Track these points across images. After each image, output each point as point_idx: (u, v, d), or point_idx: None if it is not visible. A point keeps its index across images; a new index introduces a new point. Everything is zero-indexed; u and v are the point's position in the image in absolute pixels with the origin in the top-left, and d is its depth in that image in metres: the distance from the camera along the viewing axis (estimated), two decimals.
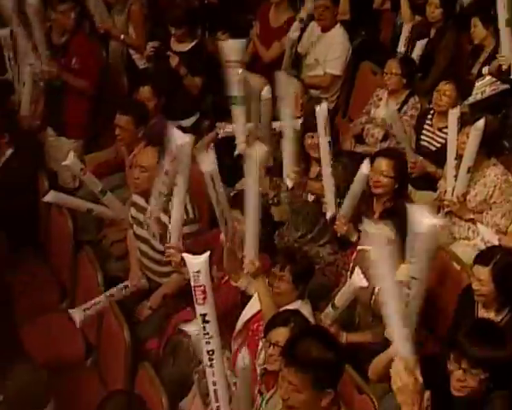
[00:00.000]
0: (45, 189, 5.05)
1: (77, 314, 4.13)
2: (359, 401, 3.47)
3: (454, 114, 4.57)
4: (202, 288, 2.96)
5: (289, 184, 4.62)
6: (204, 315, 2.94)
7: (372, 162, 4.33)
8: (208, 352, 3.00)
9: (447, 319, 4.05)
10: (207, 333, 2.98)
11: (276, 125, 4.80)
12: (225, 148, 4.98)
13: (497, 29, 5.46)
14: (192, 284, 2.96)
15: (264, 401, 3.35)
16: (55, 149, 5.76)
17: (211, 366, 3.01)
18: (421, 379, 2.68)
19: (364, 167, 4.15)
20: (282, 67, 5.76)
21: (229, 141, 4.92)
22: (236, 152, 4.76)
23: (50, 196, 4.69)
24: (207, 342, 2.98)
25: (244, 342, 3.91)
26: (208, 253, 3.10)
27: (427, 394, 2.94)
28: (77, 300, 4.68)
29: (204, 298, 2.96)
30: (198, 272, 2.96)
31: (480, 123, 4.36)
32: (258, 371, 3.64)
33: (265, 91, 4.74)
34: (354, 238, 4.31)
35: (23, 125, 5.64)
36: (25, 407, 3.34)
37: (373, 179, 4.32)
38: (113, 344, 4.19)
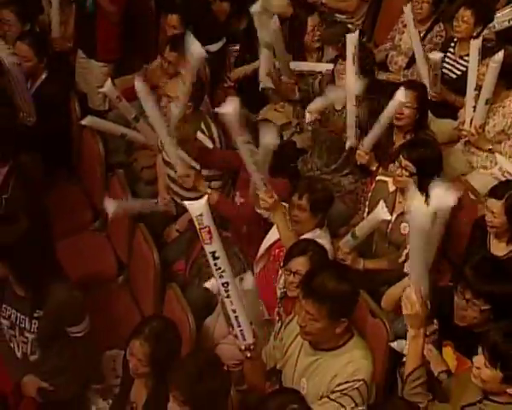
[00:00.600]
0: (77, 111, 5.12)
1: (111, 205, 4.17)
2: (372, 325, 3.56)
3: (475, 45, 4.54)
4: (207, 229, 3.01)
5: (308, 118, 4.69)
6: (213, 252, 3.01)
7: (393, 94, 4.29)
8: (223, 284, 3.07)
9: (462, 248, 4.13)
10: (219, 268, 3.05)
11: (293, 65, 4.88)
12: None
13: None
14: (197, 226, 3.01)
15: (284, 326, 3.43)
16: (85, 72, 5.78)
17: (228, 296, 3.10)
18: (428, 307, 2.90)
19: (400, 95, 4.14)
20: None
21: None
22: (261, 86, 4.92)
23: (87, 120, 4.74)
24: (221, 276, 3.06)
25: (265, 266, 4.08)
26: (206, 196, 3.21)
27: (435, 323, 3.22)
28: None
29: (210, 238, 3.02)
30: (201, 215, 3.00)
31: (499, 56, 4.37)
32: (279, 294, 3.83)
33: (273, 23, 4.68)
34: (374, 167, 4.39)
35: (54, 46, 5.61)
36: (62, 322, 3.50)
37: (397, 111, 4.33)
38: (142, 264, 4.30)
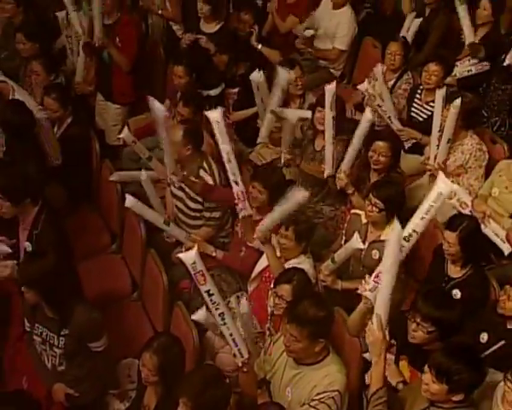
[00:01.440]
0: (96, 147, 5.12)
1: (130, 201, 4.24)
2: (349, 341, 3.64)
3: (440, 94, 4.58)
4: (200, 272, 3.13)
5: (283, 159, 4.79)
6: (208, 291, 3.15)
7: (371, 145, 4.45)
8: (219, 315, 3.19)
9: (425, 271, 4.20)
10: (214, 302, 3.17)
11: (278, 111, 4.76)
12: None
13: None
14: (192, 272, 3.12)
15: (272, 343, 3.53)
16: (103, 112, 5.78)
17: (224, 324, 3.21)
18: (387, 337, 3.03)
19: (368, 114, 4.29)
20: None
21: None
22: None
23: (115, 176, 4.77)
24: (217, 309, 3.17)
25: (258, 286, 4.13)
26: (196, 246, 3.31)
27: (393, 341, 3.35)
28: (124, 243, 4.81)
29: (204, 279, 3.14)
30: (194, 263, 3.11)
31: (457, 102, 4.38)
32: (269, 310, 3.85)
33: (255, 76, 4.74)
34: (350, 191, 4.43)
35: (77, 90, 5.64)
36: (84, 339, 3.62)
37: (373, 158, 4.44)
38: (153, 283, 4.32)
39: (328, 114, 4.46)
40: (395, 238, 3.12)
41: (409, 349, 3.49)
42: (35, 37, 5.34)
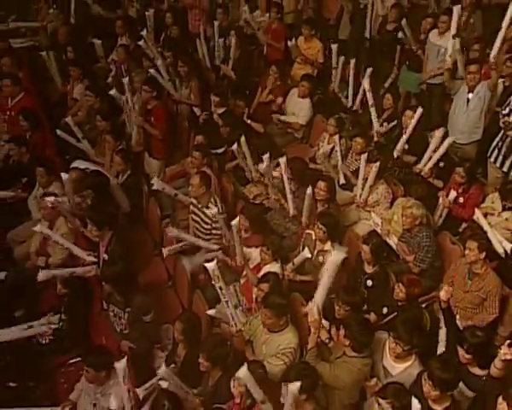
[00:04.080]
0: (145, 188, 5.06)
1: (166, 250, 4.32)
2: (301, 317, 3.76)
3: (363, 157, 4.71)
4: (217, 275, 3.48)
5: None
6: (220, 287, 3.50)
7: (316, 184, 4.47)
8: (225, 301, 3.55)
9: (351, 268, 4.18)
10: (223, 294, 3.49)
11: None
12: None
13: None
14: (211, 275, 3.43)
15: (254, 317, 3.72)
16: (148, 164, 5.73)
17: (228, 307, 3.55)
18: (321, 317, 3.32)
19: (309, 190, 4.32)
20: None
21: None
22: None
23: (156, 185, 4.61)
24: (224, 297, 3.50)
25: (247, 280, 4.17)
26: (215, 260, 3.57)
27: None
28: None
29: (218, 279, 3.50)
30: (213, 270, 3.40)
31: (377, 164, 4.59)
32: (254, 297, 3.96)
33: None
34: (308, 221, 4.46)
35: (133, 150, 5.63)
36: (139, 314, 3.90)
37: (317, 194, 4.48)
38: (181, 276, 4.45)
39: (287, 184, 4.56)
40: (334, 259, 3.38)
41: (335, 321, 3.71)
42: (107, 117, 5.40)
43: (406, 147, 4.97)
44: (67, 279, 4.03)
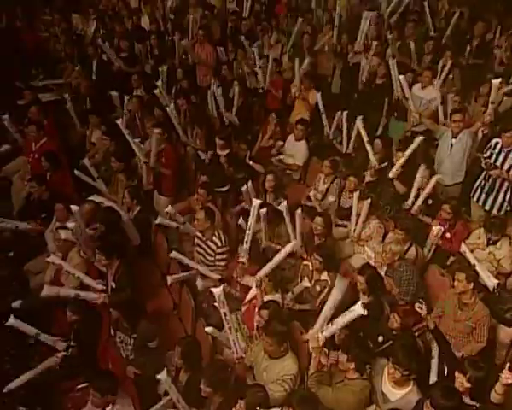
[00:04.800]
0: (152, 224, 4.88)
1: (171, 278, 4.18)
2: (302, 344, 3.60)
3: (356, 194, 4.62)
4: (222, 302, 3.28)
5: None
6: (224, 312, 3.30)
7: (313, 219, 4.44)
8: (229, 328, 3.34)
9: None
10: (227, 319, 3.29)
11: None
12: None
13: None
14: (217, 300, 3.25)
15: (256, 345, 3.57)
16: (157, 200, 5.60)
17: (231, 333, 3.34)
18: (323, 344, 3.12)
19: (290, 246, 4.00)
20: None
21: None
22: None
23: (159, 220, 4.55)
24: (227, 323, 3.29)
25: (248, 308, 4.02)
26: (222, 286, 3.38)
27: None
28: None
29: (223, 305, 3.30)
30: (219, 296, 3.22)
31: (369, 200, 4.50)
32: (255, 324, 3.82)
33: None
34: (305, 255, 4.35)
35: (144, 188, 5.54)
36: (145, 340, 3.70)
37: (314, 228, 4.41)
38: (185, 304, 4.28)
39: (288, 224, 4.37)
40: (335, 294, 3.19)
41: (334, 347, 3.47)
42: (121, 158, 5.34)
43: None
44: (77, 306, 3.85)
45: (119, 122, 5.33)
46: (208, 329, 3.52)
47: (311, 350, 3.24)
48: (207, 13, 7.95)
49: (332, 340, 3.39)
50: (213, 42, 7.26)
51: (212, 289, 3.33)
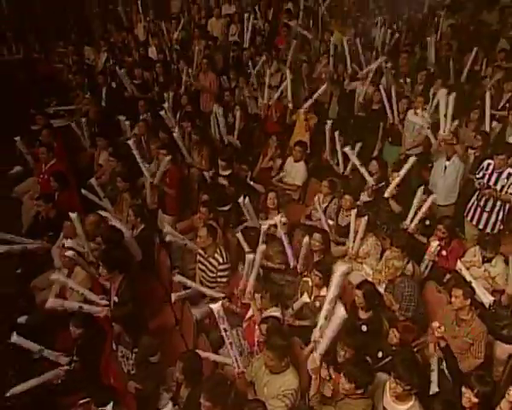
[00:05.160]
0: (157, 240, 4.86)
1: (175, 296, 4.09)
2: (302, 360, 3.46)
3: (353, 212, 4.53)
4: (222, 317, 3.14)
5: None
6: (224, 328, 3.14)
7: (312, 236, 4.29)
8: (229, 343, 3.17)
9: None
10: (227, 335, 3.13)
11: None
12: None
13: None
14: (216, 316, 3.08)
15: (256, 360, 3.43)
16: (161, 219, 5.45)
17: (232, 348, 3.19)
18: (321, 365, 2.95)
19: (305, 239, 4.14)
20: None
21: None
22: None
23: (168, 238, 4.44)
24: (228, 339, 3.12)
25: (249, 325, 3.92)
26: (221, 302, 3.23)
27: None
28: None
29: (223, 321, 3.14)
30: (218, 311, 3.07)
31: (366, 218, 4.39)
32: (256, 340, 3.72)
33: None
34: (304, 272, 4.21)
35: (148, 206, 5.43)
36: (147, 354, 3.52)
37: (313, 245, 4.30)
38: (187, 320, 4.16)
39: (286, 243, 4.32)
40: (339, 315, 2.98)
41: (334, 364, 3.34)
42: (126, 178, 5.27)
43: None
44: (80, 320, 3.72)
45: (130, 142, 5.28)
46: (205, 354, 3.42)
47: (310, 373, 3.11)
48: (211, 43, 8.02)
49: (333, 357, 3.23)
50: (216, 71, 7.31)
51: (211, 306, 3.19)
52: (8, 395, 3.42)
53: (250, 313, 3.92)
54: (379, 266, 4.40)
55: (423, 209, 4.53)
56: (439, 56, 6.97)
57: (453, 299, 3.52)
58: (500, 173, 4.70)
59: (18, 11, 9.73)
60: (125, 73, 7.12)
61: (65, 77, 8.56)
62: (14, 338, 3.52)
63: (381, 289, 4.11)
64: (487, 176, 4.76)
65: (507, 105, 5.99)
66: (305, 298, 3.78)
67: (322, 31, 8.10)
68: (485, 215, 4.77)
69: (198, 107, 7.11)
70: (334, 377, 3.12)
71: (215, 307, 3.14)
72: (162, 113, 6.00)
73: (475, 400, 2.75)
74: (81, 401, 3.57)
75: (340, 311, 2.99)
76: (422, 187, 4.63)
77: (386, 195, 4.76)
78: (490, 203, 4.76)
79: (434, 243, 4.23)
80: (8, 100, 7.40)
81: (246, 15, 7.83)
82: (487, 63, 6.86)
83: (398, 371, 2.85)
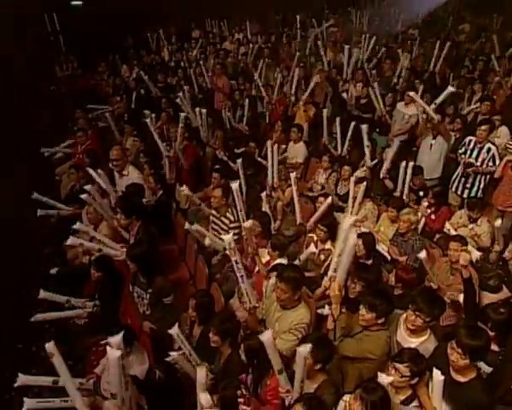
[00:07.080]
0: (174, 207, 4.34)
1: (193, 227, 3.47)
2: (311, 302, 2.94)
3: (352, 179, 4.03)
4: (233, 248, 2.57)
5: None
6: (235, 260, 2.59)
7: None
8: (241, 276, 2.63)
9: None
10: (239, 268, 2.58)
11: None
12: None
13: None
14: (227, 248, 2.56)
15: (267, 298, 2.86)
16: (178, 191, 4.71)
17: (243, 283, 2.64)
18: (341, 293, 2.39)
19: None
20: None
21: None
22: None
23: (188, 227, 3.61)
24: (239, 272, 2.57)
25: (257, 277, 3.22)
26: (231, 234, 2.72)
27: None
28: (187, 257, 3.96)
29: (234, 253, 2.60)
30: (230, 243, 2.52)
31: (364, 183, 3.96)
32: (264, 290, 3.01)
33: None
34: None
35: (168, 181, 4.74)
36: (160, 295, 2.98)
37: (318, 208, 3.87)
38: (201, 273, 3.67)
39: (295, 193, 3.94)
40: (351, 242, 2.44)
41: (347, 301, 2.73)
42: (147, 153, 4.79)
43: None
44: (100, 263, 3.14)
45: (147, 121, 4.82)
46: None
47: (331, 298, 2.49)
48: (222, 53, 7.84)
49: (345, 296, 2.61)
50: (228, 75, 7.00)
51: (223, 237, 2.64)
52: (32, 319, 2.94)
53: (259, 266, 3.37)
54: (376, 227, 3.95)
55: (408, 175, 4.14)
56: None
57: (452, 252, 3.11)
58: (481, 149, 4.27)
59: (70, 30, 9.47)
60: (149, 79, 6.87)
61: (104, 89, 8.27)
62: (42, 294, 3.07)
63: (379, 247, 3.68)
64: (469, 151, 4.34)
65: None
66: (313, 248, 3.20)
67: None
68: (468, 186, 4.35)
69: (212, 106, 6.64)
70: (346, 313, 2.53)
71: (226, 237, 2.57)
72: (178, 100, 5.59)
73: (491, 333, 2.25)
74: (102, 342, 2.94)
75: (353, 237, 2.44)
76: (404, 162, 4.23)
77: (381, 176, 4.40)
78: (472, 175, 4.34)
79: (425, 203, 3.99)
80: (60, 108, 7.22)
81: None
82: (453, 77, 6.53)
83: (417, 304, 2.28)
